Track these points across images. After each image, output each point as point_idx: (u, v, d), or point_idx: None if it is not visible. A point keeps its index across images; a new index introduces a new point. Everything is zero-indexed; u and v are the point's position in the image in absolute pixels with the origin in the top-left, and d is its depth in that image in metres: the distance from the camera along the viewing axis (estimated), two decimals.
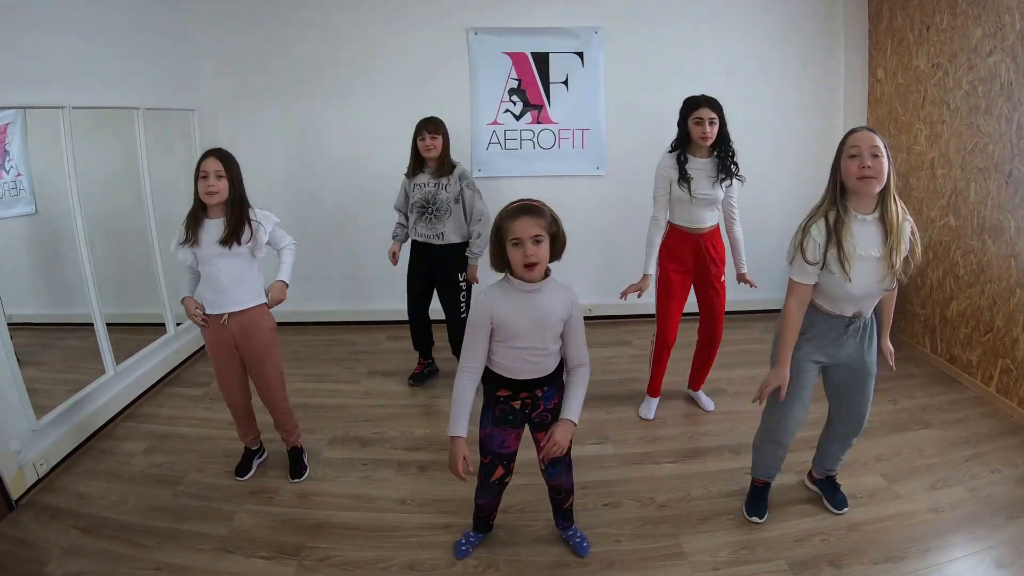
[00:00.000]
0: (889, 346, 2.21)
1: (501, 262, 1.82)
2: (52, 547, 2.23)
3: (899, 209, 1.89)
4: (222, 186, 2.29)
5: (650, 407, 3.16)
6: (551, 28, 4.16)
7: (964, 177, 3.38)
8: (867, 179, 1.84)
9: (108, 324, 3.11)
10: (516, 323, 1.83)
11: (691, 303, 3.06)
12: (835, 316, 2.03)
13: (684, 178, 2.77)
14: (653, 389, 3.18)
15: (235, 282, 2.38)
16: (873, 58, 4.21)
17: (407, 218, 3.35)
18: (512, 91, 4.26)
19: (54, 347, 3.12)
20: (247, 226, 2.36)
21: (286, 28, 4.14)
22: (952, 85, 3.43)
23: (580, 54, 4.22)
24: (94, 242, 3.00)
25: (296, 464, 2.70)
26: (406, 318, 3.50)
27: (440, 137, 3.14)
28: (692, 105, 2.76)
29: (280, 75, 4.21)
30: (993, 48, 3.10)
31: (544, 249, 1.77)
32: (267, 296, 2.48)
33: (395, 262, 3.41)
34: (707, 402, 3.22)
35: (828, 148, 4.27)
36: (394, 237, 3.43)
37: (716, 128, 2.73)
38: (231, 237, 2.31)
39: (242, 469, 2.67)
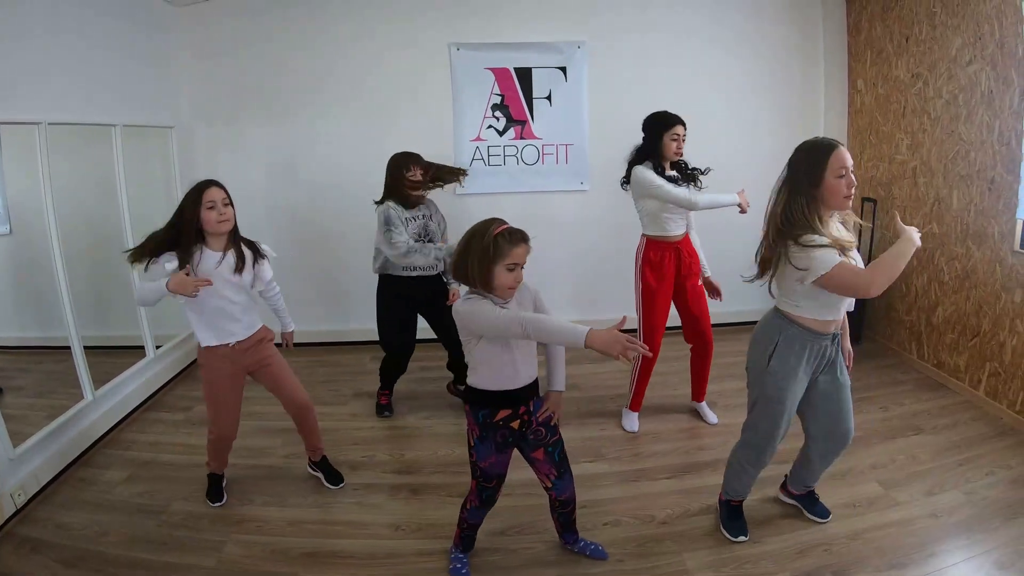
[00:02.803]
0: (849, 347, 2.19)
1: (484, 280, 1.79)
2: None
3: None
4: (231, 213, 2.29)
5: (633, 420, 3.14)
6: (534, 43, 4.16)
7: (947, 185, 3.43)
8: (851, 197, 1.87)
9: (86, 347, 3.02)
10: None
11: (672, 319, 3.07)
12: (824, 335, 2.00)
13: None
14: (635, 404, 3.15)
15: (245, 310, 2.39)
16: (852, 69, 4.28)
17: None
18: (495, 107, 4.24)
19: (30, 371, 3.03)
20: (253, 254, 2.38)
21: (266, 46, 4.09)
22: (932, 94, 3.48)
23: (563, 69, 4.22)
24: (70, 262, 2.92)
25: (332, 471, 2.73)
26: None
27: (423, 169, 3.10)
28: (669, 123, 2.83)
29: (260, 92, 4.15)
30: (973, 57, 3.16)
31: None
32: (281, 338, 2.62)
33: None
34: (710, 415, 3.20)
35: None
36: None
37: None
38: (242, 264, 2.32)
39: (217, 494, 2.60)
